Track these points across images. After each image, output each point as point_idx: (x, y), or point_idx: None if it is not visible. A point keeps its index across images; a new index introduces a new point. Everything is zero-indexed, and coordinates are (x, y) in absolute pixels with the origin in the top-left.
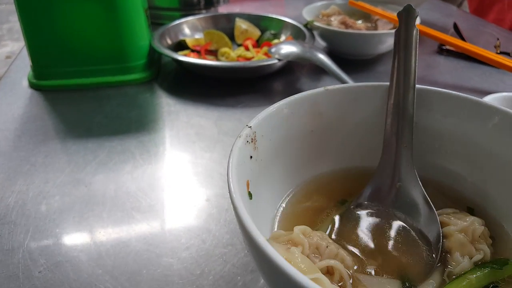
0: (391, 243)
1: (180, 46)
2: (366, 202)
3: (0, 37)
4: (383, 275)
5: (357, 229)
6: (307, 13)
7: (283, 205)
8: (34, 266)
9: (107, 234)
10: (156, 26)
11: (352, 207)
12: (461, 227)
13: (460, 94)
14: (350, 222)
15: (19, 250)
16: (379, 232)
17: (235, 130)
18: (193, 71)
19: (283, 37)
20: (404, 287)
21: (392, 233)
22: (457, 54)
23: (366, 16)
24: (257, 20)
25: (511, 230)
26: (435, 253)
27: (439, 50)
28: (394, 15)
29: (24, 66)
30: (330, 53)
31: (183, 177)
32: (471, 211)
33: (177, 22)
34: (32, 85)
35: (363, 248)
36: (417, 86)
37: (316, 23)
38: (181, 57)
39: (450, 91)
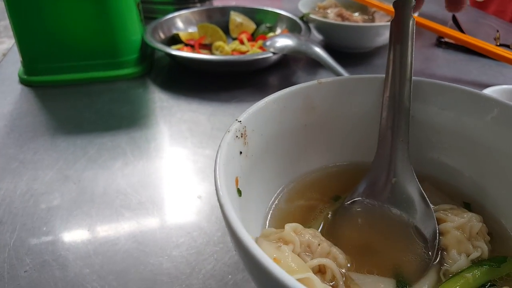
0: (385, 240)
1: (174, 40)
2: (360, 198)
3: None
4: (377, 274)
5: (351, 226)
6: (303, 6)
7: (276, 201)
8: (19, 266)
9: (95, 232)
10: (149, 20)
11: (346, 203)
12: (458, 223)
13: (458, 86)
14: (343, 219)
15: (5, 249)
16: (373, 229)
17: (229, 125)
18: (186, 66)
19: (278, 30)
20: (399, 285)
21: (387, 230)
22: (456, 46)
23: (363, 9)
24: (252, 13)
25: (510, 226)
26: (431, 251)
27: (437, 42)
28: (391, 7)
29: (15, 62)
30: (327, 46)
31: (175, 173)
32: (467, 206)
33: (170, 15)
34: (22, 81)
35: (357, 246)
36: (414, 78)
37: (312, 16)
38: (174, 51)
39: (448, 83)
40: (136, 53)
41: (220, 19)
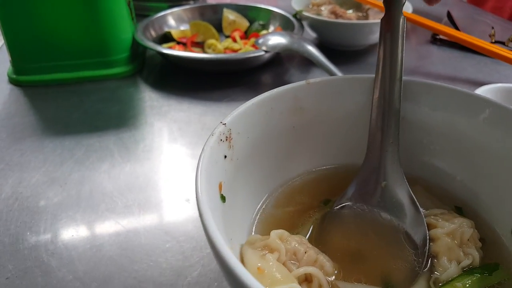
0: (375, 246)
1: (166, 38)
2: (350, 203)
3: None
4: (365, 282)
5: (339, 232)
6: (297, 3)
7: (263, 206)
8: (1, 272)
9: (80, 237)
10: (142, 18)
11: (335, 208)
12: (449, 230)
13: (449, 86)
14: (332, 224)
15: None
16: (362, 235)
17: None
18: (178, 64)
19: (271, 28)
20: None
21: (377, 235)
22: (451, 43)
23: (357, 6)
24: (245, 11)
25: (502, 231)
26: (421, 258)
27: (432, 39)
28: None
29: (4, 61)
30: (321, 44)
31: (163, 175)
32: (459, 210)
33: (162, 13)
34: (11, 81)
35: (345, 252)
36: (404, 78)
37: (305, 13)
38: (165, 49)
39: (439, 83)
40: (127, 52)
41: (212, 17)
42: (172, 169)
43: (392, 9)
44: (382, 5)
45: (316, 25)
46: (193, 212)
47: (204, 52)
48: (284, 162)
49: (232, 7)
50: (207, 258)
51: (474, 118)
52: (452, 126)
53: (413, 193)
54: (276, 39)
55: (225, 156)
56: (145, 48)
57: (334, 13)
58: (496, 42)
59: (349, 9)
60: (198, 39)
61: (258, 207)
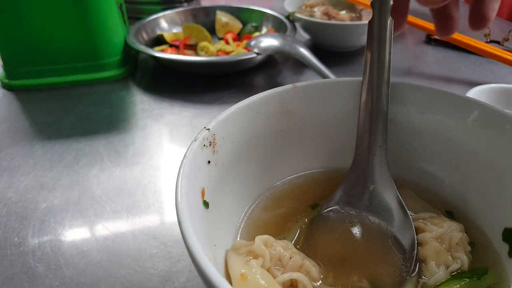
0: (362, 251)
1: (158, 41)
2: (337, 207)
3: None
4: (352, 287)
5: (326, 236)
6: (289, 5)
7: (250, 211)
8: None
9: (67, 243)
10: (135, 20)
11: (322, 212)
12: (437, 234)
13: (437, 88)
14: (319, 229)
15: None
16: (350, 239)
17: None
18: (170, 67)
19: (264, 30)
20: None
21: (364, 240)
22: (446, 44)
23: (350, 7)
24: (238, 12)
25: (492, 235)
26: (409, 262)
27: (427, 40)
28: None
29: None
30: (314, 46)
31: (152, 180)
32: (450, 214)
33: (154, 16)
34: (3, 85)
35: (332, 257)
36: (392, 80)
37: (298, 15)
38: (156, 52)
39: (427, 85)
40: (119, 55)
41: (205, 19)
42: (161, 173)
43: (379, 11)
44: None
45: (309, 26)
46: None
47: (197, 54)
48: (271, 166)
49: (225, 9)
50: None
51: (463, 120)
52: (441, 129)
53: (402, 197)
54: (268, 41)
55: (209, 162)
56: (137, 51)
57: (327, 14)
58: (491, 41)
59: (342, 10)
60: (191, 41)
61: (244, 212)
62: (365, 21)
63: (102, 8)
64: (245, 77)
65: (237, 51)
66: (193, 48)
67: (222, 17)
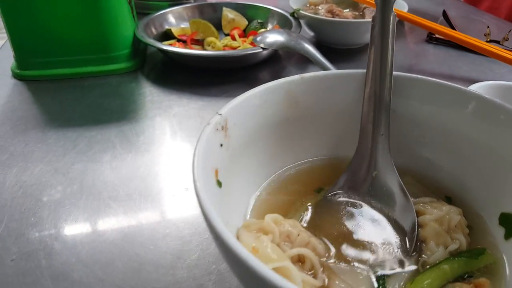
0: (365, 232)
1: (166, 35)
2: (341, 191)
3: None
4: (355, 264)
5: (331, 217)
6: (294, 2)
7: (258, 193)
8: (6, 255)
9: (83, 223)
10: (143, 16)
11: (327, 195)
12: (436, 216)
13: (438, 80)
14: (324, 210)
15: None
16: (353, 221)
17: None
18: (178, 61)
19: (270, 26)
20: (377, 276)
21: (367, 222)
22: (447, 42)
23: (354, 5)
24: (244, 9)
25: (489, 219)
26: (410, 243)
27: (428, 38)
28: None
29: (8, 56)
30: (318, 43)
31: (163, 166)
32: (449, 200)
33: (162, 11)
34: (15, 75)
35: (336, 237)
36: (394, 73)
37: (303, 12)
38: (165, 46)
39: (428, 78)
40: (128, 48)
41: (212, 15)
42: (171, 160)
43: (383, 6)
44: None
45: (313, 23)
46: (192, 200)
47: (204, 49)
48: (278, 152)
49: (232, 6)
50: (205, 243)
51: (461, 111)
52: (441, 119)
53: (404, 183)
54: (274, 37)
55: (221, 145)
56: (146, 45)
57: (331, 12)
58: (491, 41)
59: (346, 8)
60: (198, 36)
61: (253, 195)
62: (368, 19)
63: (113, 2)
64: (251, 71)
65: (243, 47)
66: (200, 43)
67: (229, 14)
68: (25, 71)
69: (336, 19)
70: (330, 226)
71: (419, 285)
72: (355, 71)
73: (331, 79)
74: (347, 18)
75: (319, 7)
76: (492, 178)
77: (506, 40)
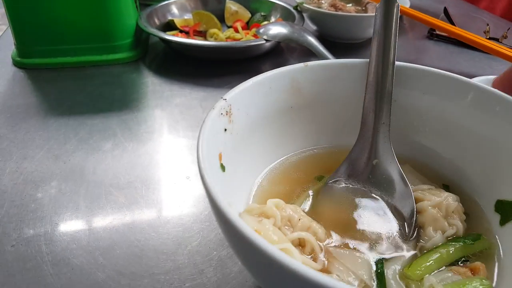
0: (365, 217)
1: (169, 26)
2: (342, 178)
3: None
4: (355, 248)
5: (331, 204)
6: None
7: (260, 179)
8: (7, 240)
9: (83, 209)
10: (145, 7)
11: (328, 182)
12: (434, 202)
13: (438, 70)
14: (325, 197)
15: None
16: (353, 207)
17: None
18: (180, 51)
19: (273, 19)
20: (376, 260)
21: (367, 208)
22: (447, 39)
23: (357, 0)
24: (247, 2)
25: (485, 206)
26: (408, 228)
27: (429, 34)
28: None
29: (9, 44)
30: (320, 37)
31: (164, 155)
32: (446, 188)
33: (165, 2)
34: (16, 63)
35: (337, 222)
36: (397, 63)
37: (306, 5)
38: (168, 36)
39: (429, 68)
40: (130, 38)
41: (215, 7)
42: (173, 149)
43: None
44: None
45: (316, 17)
46: (193, 188)
47: (206, 41)
48: (281, 139)
49: None
50: (206, 230)
51: (461, 101)
52: (441, 109)
53: (403, 171)
54: (277, 29)
55: (225, 129)
56: (148, 34)
57: (334, 6)
58: (490, 38)
59: (348, 2)
60: (201, 28)
61: (255, 180)
62: (370, 13)
63: None
64: (253, 63)
65: (245, 39)
66: (202, 34)
67: (232, 6)
68: (26, 59)
69: (339, 13)
70: (330, 212)
71: (416, 269)
72: (358, 61)
73: (334, 68)
74: (350, 12)
75: (322, 1)
76: (488, 166)
77: (505, 38)
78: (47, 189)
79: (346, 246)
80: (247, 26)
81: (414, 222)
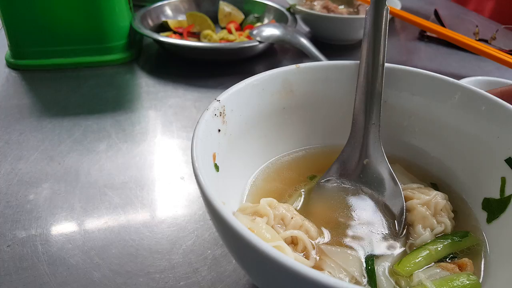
0: (356, 216)
1: (162, 27)
2: (334, 177)
3: None
4: (347, 246)
5: (323, 202)
6: None
7: (254, 179)
8: (3, 241)
9: (79, 209)
10: (139, 8)
11: (320, 182)
12: (423, 201)
13: (428, 72)
14: (317, 196)
15: None
16: (345, 206)
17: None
18: (174, 53)
19: (266, 21)
20: (367, 257)
21: (358, 206)
22: (438, 40)
23: (349, 2)
24: (240, 3)
25: (473, 204)
26: (398, 226)
27: (420, 36)
28: None
29: (2, 45)
30: (313, 38)
31: (158, 155)
32: (434, 186)
33: (159, 3)
34: (9, 65)
35: (328, 221)
36: (386, 64)
37: (299, 7)
38: (162, 37)
39: (418, 69)
40: (124, 39)
41: (209, 8)
42: (167, 150)
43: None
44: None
45: (309, 19)
46: (187, 188)
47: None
48: (274, 140)
49: (228, 0)
50: (200, 229)
51: (448, 101)
52: (430, 109)
53: (393, 171)
54: (270, 30)
55: (219, 130)
56: (142, 36)
57: (326, 8)
58: (480, 40)
59: (341, 4)
60: (194, 29)
61: (248, 180)
62: (362, 15)
63: None
64: (247, 64)
65: (239, 40)
66: (196, 36)
67: (225, 7)
68: (20, 60)
69: (331, 14)
70: (322, 211)
71: (405, 265)
72: (349, 62)
73: (326, 69)
74: (342, 14)
75: (315, 3)
76: (476, 165)
77: (494, 39)
78: (42, 190)
79: (337, 243)
80: (241, 27)
81: (403, 220)
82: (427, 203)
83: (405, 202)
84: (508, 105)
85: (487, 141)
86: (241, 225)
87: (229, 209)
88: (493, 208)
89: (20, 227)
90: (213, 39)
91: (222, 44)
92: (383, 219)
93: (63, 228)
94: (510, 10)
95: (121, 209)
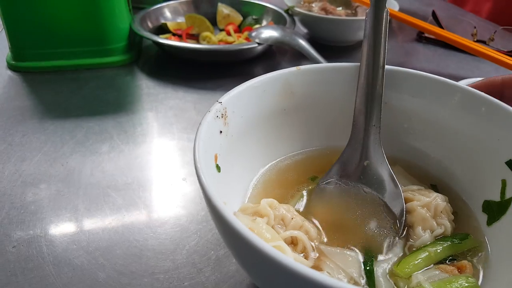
0: (356, 217)
1: (162, 29)
2: (334, 179)
3: None
4: (346, 247)
5: (324, 203)
6: None
7: (255, 180)
8: (8, 241)
9: (82, 210)
10: (138, 10)
11: (321, 183)
12: (423, 202)
13: (427, 74)
14: (318, 197)
15: None
16: (345, 207)
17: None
18: (173, 54)
19: (264, 23)
20: (366, 258)
21: (358, 208)
22: (436, 41)
23: (347, 3)
24: (239, 5)
25: (473, 205)
26: (398, 228)
27: (418, 37)
28: None
29: (3, 47)
30: (311, 40)
31: (160, 157)
32: (434, 188)
33: (158, 5)
34: (10, 67)
35: (329, 221)
36: (387, 66)
37: (297, 9)
38: (162, 39)
39: (418, 71)
40: (124, 41)
41: (207, 10)
42: (168, 151)
43: (377, 2)
44: (369, 2)
45: (307, 20)
46: (189, 189)
47: (199, 44)
48: (275, 141)
49: (227, 2)
50: (203, 230)
51: (448, 103)
52: (430, 111)
53: (393, 173)
54: (268, 32)
55: (221, 132)
56: (142, 38)
57: (324, 9)
58: (478, 41)
59: (339, 6)
60: (193, 31)
61: (251, 180)
62: (360, 17)
63: None
64: (246, 66)
65: (238, 42)
66: (195, 38)
67: (224, 9)
68: (21, 62)
69: (329, 16)
70: (323, 212)
71: (405, 267)
72: (350, 64)
73: (326, 71)
74: (340, 16)
75: (313, 5)
76: (476, 167)
77: (492, 40)
78: (46, 191)
79: (337, 244)
80: (239, 29)
81: (403, 221)
82: (427, 205)
83: (405, 203)
84: (508, 107)
85: (488, 143)
86: (242, 224)
87: (230, 209)
88: (494, 211)
89: (25, 228)
90: (212, 41)
91: (221, 46)
92: (383, 220)
93: (67, 229)
94: (508, 11)
95: (124, 210)
